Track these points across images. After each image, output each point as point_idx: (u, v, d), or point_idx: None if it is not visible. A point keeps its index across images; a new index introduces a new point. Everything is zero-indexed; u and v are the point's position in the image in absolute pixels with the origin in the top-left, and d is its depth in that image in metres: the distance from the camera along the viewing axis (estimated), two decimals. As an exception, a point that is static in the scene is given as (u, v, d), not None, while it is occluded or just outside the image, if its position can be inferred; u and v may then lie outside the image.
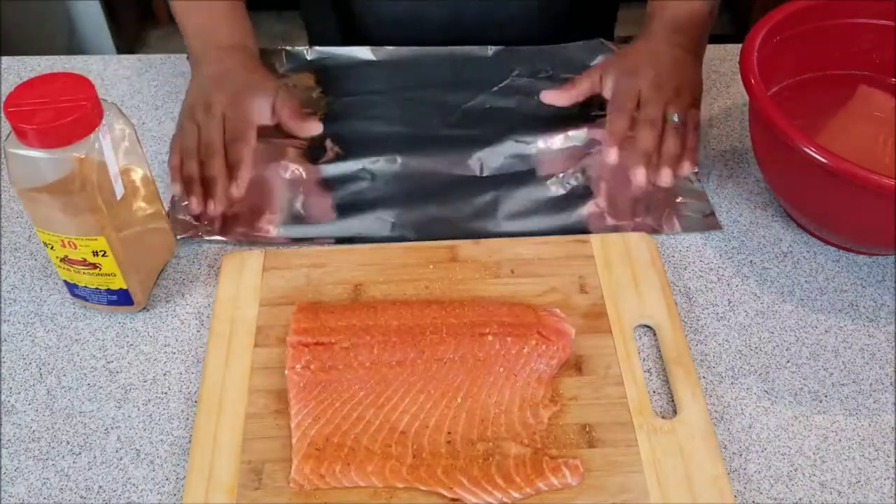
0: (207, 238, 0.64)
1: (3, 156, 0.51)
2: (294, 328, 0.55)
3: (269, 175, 0.67)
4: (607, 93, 0.68)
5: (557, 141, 0.71)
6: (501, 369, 0.53)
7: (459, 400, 0.52)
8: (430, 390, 0.52)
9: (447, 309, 0.56)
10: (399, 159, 0.70)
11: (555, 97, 0.70)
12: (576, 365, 0.55)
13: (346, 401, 0.52)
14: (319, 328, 0.55)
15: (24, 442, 0.53)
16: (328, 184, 0.68)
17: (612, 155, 0.64)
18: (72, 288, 0.58)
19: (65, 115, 0.49)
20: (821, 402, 0.55)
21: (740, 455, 0.52)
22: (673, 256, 0.64)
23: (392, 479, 0.48)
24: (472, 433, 0.51)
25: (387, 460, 0.49)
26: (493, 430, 0.51)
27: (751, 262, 0.64)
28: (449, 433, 0.50)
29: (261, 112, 0.66)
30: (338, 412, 0.51)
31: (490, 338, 0.54)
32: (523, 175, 0.69)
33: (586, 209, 0.66)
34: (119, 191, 0.53)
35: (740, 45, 0.62)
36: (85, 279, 0.57)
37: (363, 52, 0.80)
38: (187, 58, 0.80)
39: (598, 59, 0.77)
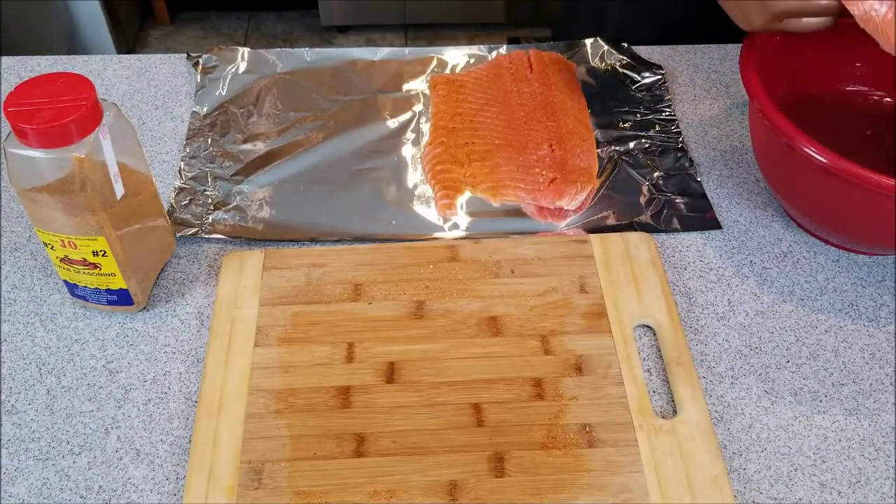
0: (207, 237, 0.64)
1: (2, 156, 0.51)
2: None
3: None
4: None
5: None
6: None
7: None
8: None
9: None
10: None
11: None
12: (576, 365, 0.55)
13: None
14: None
15: (24, 442, 0.53)
16: None
17: None
18: (72, 288, 0.58)
19: (65, 114, 0.49)
20: (821, 402, 0.55)
21: (740, 455, 0.52)
22: (673, 256, 0.64)
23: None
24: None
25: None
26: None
27: (751, 262, 0.64)
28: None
29: None
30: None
31: None
32: None
33: None
34: (119, 191, 0.53)
35: (740, 45, 0.62)
36: (85, 279, 0.57)
37: (363, 53, 0.81)
38: (187, 57, 0.80)
39: None
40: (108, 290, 0.57)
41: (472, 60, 0.80)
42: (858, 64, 0.69)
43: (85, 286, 0.57)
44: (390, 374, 0.55)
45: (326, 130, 0.73)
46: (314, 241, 0.65)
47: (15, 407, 0.55)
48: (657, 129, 0.73)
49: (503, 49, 0.81)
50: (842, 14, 0.58)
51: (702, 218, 0.66)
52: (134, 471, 0.52)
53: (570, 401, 0.53)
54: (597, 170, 0.69)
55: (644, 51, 0.81)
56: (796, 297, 0.61)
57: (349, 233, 0.65)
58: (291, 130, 0.73)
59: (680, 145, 0.72)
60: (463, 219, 0.66)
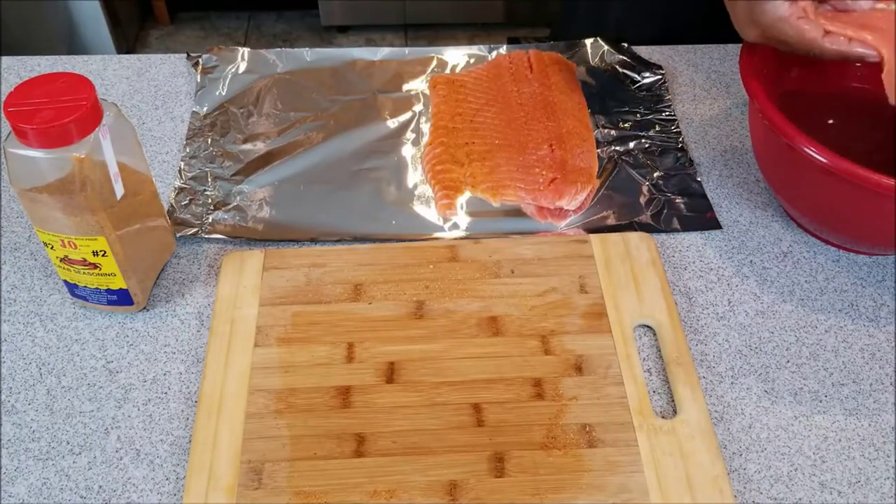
0: (207, 237, 0.64)
1: (2, 156, 0.51)
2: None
3: None
4: None
5: None
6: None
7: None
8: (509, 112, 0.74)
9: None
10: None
11: None
12: (576, 365, 0.55)
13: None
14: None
15: (24, 442, 0.53)
16: None
17: None
18: (72, 288, 0.58)
19: (65, 114, 0.49)
20: (821, 402, 0.55)
21: (740, 455, 0.52)
22: (673, 256, 0.64)
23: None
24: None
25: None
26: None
27: (751, 262, 0.64)
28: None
29: None
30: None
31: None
32: None
33: None
34: (119, 191, 0.53)
35: (740, 45, 0.62)
36: (85, 279, 0.57)
37: (363, 53, 0.81)
38: (187, 57, 0.80)
39: None
40: (108, 290, 0.57)
41: (472, 60, 0.80)
42: (858, 63, 0.68)
43: (85, 286, 0.57)
44: (390, 374, 0.55)
45: (326, 130, 0.73)
46: (314, 241, 0.65)
47: (15, 407, 0.55)
48: (657, 129, 0.73)
49: (503, 49, 0.81)
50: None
51: (702, 218, 0.66)
52: (134, 471, 0.52)
53: (570, 401, 0.53)
54: (597, 170, 0.69)
55: (644, 51, 0.81)
56: (796, 297, 0.61)
57: (349, 233, 0.65)
58: (291, 130, 0.73)
59: (680, 145, 0.72)
60: (463, 219, 0.66)
